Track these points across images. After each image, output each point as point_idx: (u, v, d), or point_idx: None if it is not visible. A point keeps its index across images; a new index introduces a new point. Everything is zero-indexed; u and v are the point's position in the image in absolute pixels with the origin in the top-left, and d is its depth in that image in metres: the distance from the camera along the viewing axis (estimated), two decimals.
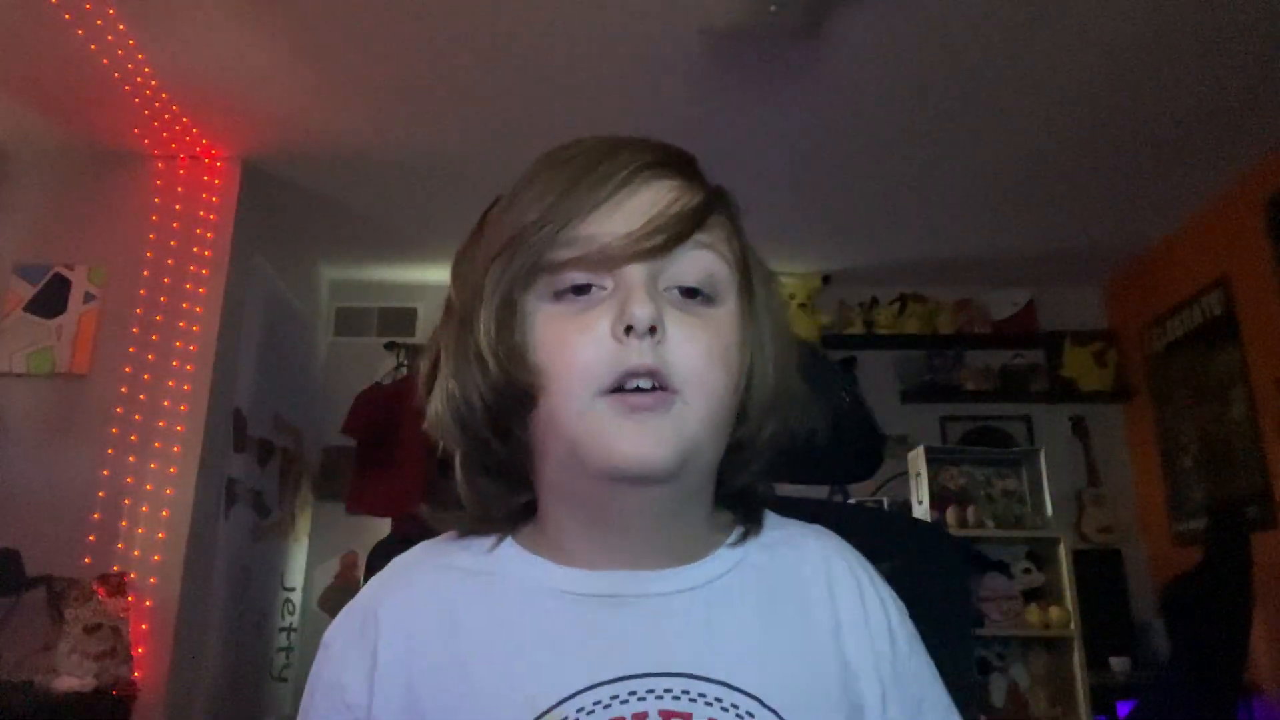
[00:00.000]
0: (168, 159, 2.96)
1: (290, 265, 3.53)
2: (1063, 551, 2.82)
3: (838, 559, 0.62)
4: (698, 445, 0.54)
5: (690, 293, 0.56)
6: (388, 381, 3.62)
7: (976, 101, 2.64)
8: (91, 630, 2.34)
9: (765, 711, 0.52)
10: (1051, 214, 3.33)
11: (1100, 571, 3.41)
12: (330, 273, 3.97)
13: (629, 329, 0.52)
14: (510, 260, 0.55)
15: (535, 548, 0.59)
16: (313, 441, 3.76)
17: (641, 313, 0.52)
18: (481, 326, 0.55)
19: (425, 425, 0.60)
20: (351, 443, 3.54)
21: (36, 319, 2.76)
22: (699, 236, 0.56)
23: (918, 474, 2.99)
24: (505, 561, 0.59)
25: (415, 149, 2.93)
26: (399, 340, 3.83)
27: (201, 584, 2.77)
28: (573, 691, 0.52)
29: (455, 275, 0.61)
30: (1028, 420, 3.82)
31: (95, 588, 2.41)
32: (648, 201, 0.55)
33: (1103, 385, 3.77)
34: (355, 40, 2.39)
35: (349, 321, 4.01)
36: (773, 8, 2.14)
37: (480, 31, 2.35)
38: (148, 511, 2.64)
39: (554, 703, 0.51)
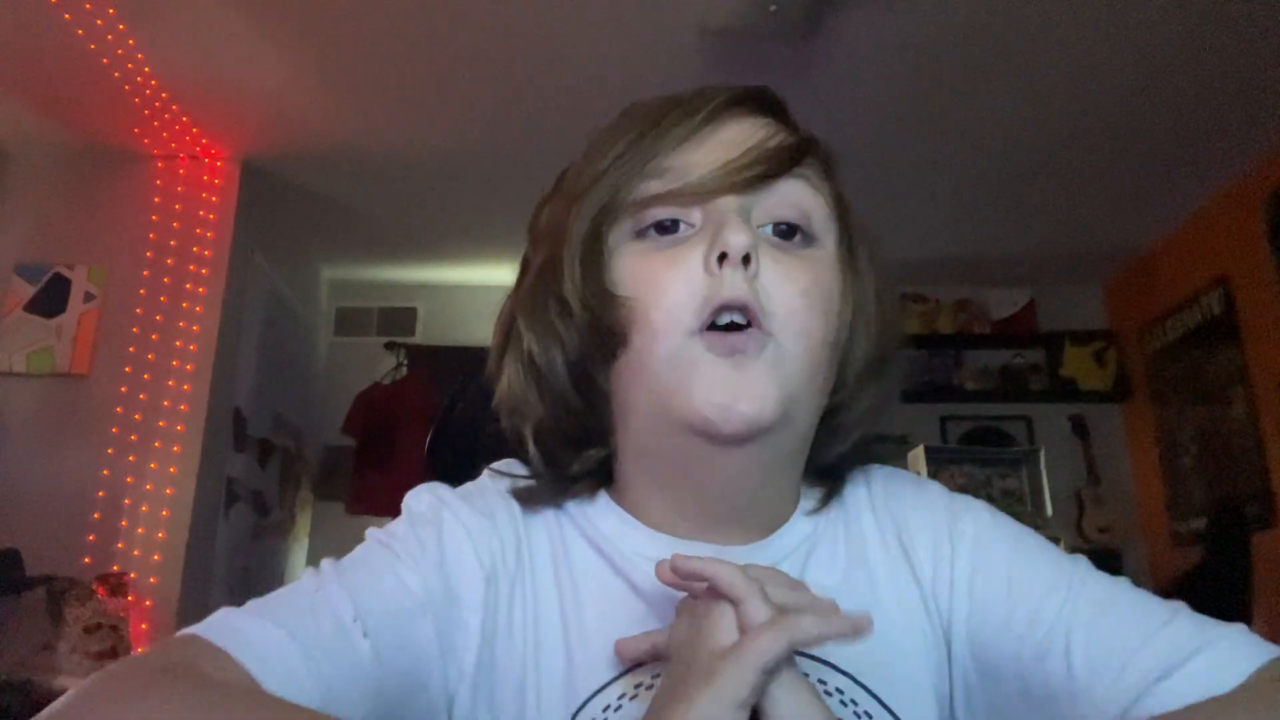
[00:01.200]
0: (168, 159, 2.96)
1: (290, 265, 3.52)
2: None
3: (880, 499, 0.61)
4: (794, 396, 0.50)
5: (787, 233, 0.53)
6: (388, 381, 3.63)
7: (976, 101, 2.64)
8: (91, 630, 2.34)
9: (849, 681, 0.52)
10: (1051, 214, 3.33)
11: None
12: (330, 273, 3.97)
13: (723, 257, 0.49)
14: (596, 196, 0.53)
15: (623, 505, 0.57)
16: (313, 441, 3.76)
17: (736, 239, 0.49)
18: (566, 269, 0.53)
19: (495, 402, 0.58)
20: (351, 443, 3.54)
21: (36, 319, 2.76)
22: (797, 169, 0.53)
23: (918, 474, 2.99)
24: (602, 513, 0.57)
25: (415, 149, 2.92)
26: (399, 340, 3.83)
27: (201, 584, 2.77)
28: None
29: (533, 228, 0.59)
30: (1028, 420, 3.81)
31: (95, 588, 2.41)
32: (739, 134, 0.53)
33: (1102, 385, 3.77)
34: (355, 41, 2.39)
35: (349, 321, 4.01)
36: (773, 8, 2.14)
37: (480, 32, 2.34)
38: (148, 511, 2.64)
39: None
